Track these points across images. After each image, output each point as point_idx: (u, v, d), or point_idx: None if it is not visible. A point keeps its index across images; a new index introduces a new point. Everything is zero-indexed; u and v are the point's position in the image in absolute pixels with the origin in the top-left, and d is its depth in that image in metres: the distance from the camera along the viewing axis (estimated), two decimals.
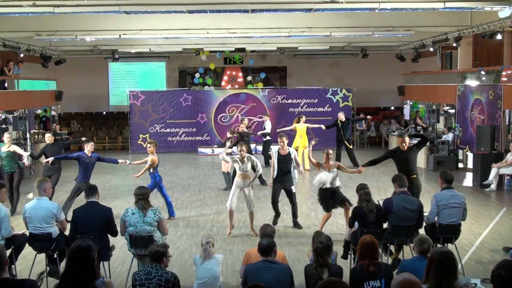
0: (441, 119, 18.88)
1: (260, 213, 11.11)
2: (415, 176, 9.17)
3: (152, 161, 10.72)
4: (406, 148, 9.20)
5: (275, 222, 10.03)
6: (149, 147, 10.84)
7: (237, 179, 9.60)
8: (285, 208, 11.53)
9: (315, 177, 9.85)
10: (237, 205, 9.84)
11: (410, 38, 18.32)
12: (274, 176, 9.87)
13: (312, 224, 10.37)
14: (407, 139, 9.26)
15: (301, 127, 16.47)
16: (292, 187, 9.95)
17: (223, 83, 25.57)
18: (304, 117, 16.80)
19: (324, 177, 9.42)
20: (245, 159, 9.50)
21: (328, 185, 9.38)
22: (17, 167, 11.71)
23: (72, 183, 14.80)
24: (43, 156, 11.97)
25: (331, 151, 9.73)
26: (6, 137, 11.79)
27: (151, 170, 10.77)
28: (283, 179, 9.87)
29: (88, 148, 10.62)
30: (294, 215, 10.17)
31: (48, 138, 12.02)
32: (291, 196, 10.00)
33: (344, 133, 16.60)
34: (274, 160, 9.87)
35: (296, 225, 10.13)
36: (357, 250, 5.29)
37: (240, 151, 9.49)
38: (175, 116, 21.50)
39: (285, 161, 9.79)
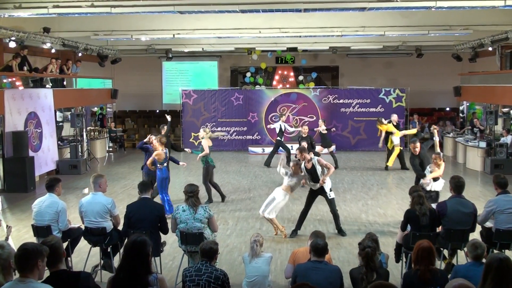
0: (500, 120, 18.22)
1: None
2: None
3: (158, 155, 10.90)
4: (418, 152, 10.01)
5: (292, 235, 9.53)
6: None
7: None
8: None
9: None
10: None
11: (468, 37, 17.77)
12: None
13: (362, 226, 10.24)
14: (418, 144, 10.06)
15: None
16: (330, 193, 9.44)
17: (274, 83, 25.59)
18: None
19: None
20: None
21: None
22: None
23: (126, 179, 15.24)
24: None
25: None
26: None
27: (159, 165, 10.87)
28: (315, 187, 9.46)
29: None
30: (336, 223, 9.68)
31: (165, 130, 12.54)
32: (330, 203, 9.53)
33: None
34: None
35: (340, 232, 9.65)
36: (412, 255, 5.15)
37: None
38: (226, 115, 21.68)
39: (312, 173, 9.35)
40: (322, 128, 16.07)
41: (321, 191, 9.47)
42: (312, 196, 9.64)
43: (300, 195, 10.60)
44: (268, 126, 17.73)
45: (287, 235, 9.55)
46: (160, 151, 10.75)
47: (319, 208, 10.84)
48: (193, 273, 5.39)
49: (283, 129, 16.74)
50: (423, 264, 4.93)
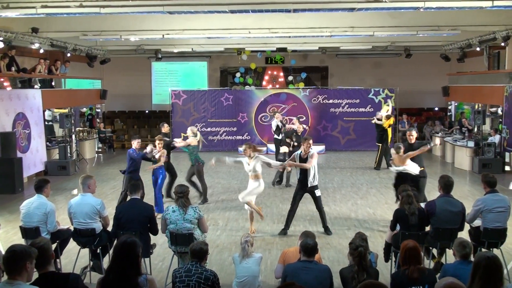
0: (487, 120, 18.37)
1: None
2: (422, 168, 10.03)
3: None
4: (413, 141, 10.27)
5: (281, 233, 9.69)
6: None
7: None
8: (324, 210, 11.49)
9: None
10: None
11: (456, 37, 17.90)
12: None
13: (352, 225, 10.27)
14: (414, 132, 10.43)
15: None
16: (316, 191, 9.58)
17: (264, 83, 25.59)
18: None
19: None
20: (253, 159, 9.46)
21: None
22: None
23: (115, 180, 15.17)
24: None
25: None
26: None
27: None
28: (305, 181, 9.54)
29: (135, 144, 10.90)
30: (323, 220, 9.80)
31: (166, 128, 12.58)
32: (316, 201, 9.66)
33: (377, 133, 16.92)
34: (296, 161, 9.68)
35: (326, 230, 9.75)
36: (399, 255, 5.19)
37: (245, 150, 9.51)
38: (216, 116, 21.67)
39: (301, 162, 9.49)
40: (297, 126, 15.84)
41: (309, 189, 9.54)
42: (299, 194, 9.71)
43: (291, 196, 10.58)
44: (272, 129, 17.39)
45: (263, 216, 9.74)
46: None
47: (309, 208, 10.86)
48: (183, 274, 5.38)
49: (279, 126, 16.61)
50: (411, 264, 4.97)
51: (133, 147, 10.74)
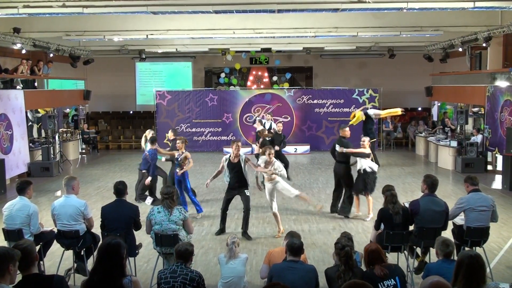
0: (470, 120, 18.56)
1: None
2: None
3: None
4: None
5: (217, 233, 9.79)
6: (178, 143, 11.13)
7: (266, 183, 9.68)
8: (309, 209, 11.51)
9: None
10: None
11: (439, 38, 18.06)
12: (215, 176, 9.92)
13: (337, 225, 10.31)
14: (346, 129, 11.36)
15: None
16: (246, 191, 9.54)
17: (248, 83, 25.59)
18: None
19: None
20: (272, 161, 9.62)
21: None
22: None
23: (99, 181, 15.07)
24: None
25: None
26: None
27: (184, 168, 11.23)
28: (235, 185, 9.58)
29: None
30: (245, 223, 9.58)
31: (172, 133, 12.73)
32: (245, 199, 9.51)
33: None
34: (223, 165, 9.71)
35: (244, 235, 9.50)
36: (364, 258, 5.37)
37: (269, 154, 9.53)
38: (200, 116, 21.62)
39: (235, 168, 9.53)
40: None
41: (239, 190, 9.57)
42: (230, 195, 9.76)
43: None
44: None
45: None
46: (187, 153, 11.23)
47: (293, 207, 10.89)
48: (168, 275, 5.37)
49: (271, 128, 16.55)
50: (376, 264, 5.17)
51: (150, 147, 10.78)
